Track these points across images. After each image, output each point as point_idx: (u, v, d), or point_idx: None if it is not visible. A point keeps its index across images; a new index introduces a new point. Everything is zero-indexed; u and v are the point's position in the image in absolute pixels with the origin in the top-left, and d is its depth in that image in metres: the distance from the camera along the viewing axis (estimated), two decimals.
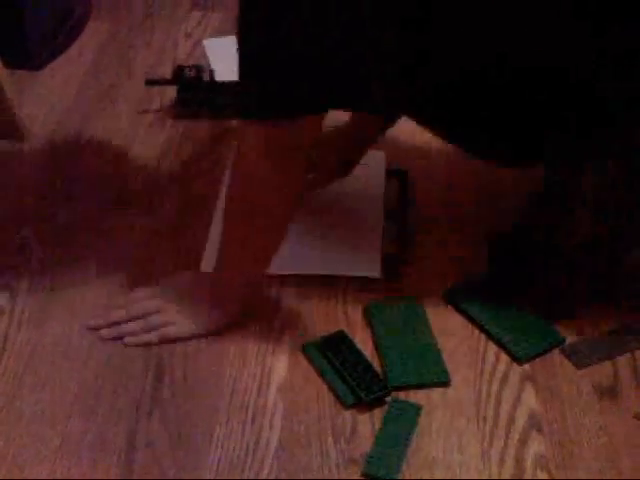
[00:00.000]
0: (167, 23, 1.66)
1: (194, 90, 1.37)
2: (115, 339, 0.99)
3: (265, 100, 0.87)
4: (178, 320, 0.99)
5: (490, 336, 1.01)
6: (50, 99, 1.43)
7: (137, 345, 0.98)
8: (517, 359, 0.99)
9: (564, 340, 1.01)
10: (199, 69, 1.37)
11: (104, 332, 0.99)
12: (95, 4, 1.71)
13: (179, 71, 1.37)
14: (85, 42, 1.60)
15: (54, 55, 1.54)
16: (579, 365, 0.98)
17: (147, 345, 0.98)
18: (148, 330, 0.99)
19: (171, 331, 0.99)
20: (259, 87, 0.87)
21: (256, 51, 0.85)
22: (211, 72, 1.38)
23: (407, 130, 1.38)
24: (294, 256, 1.11)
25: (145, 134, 1.36)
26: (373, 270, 1.09)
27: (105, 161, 1.30)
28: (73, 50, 1.58)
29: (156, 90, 1.44)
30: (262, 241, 0.98)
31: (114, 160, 1.30)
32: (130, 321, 0.99)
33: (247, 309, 1.02)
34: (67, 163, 1.29)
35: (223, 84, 1.39)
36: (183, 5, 1.74)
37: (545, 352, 1.00)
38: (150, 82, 1.41)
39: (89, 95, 1.45)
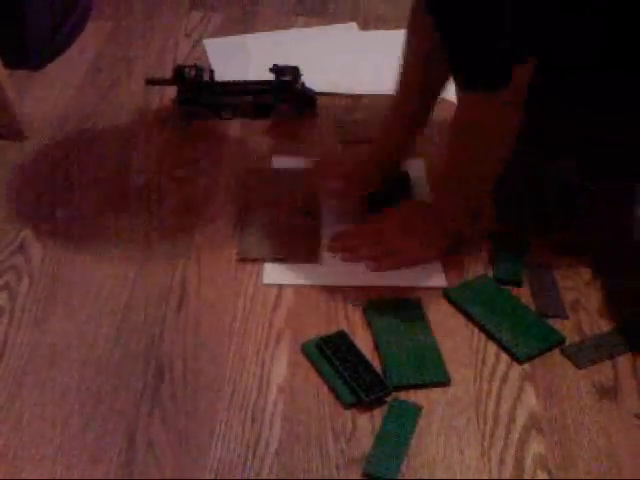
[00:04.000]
0: (167, 23, 1.67)
1: (194, 90, 1.37)
2: (348, 260, 1.11)
3: (487, 75, 0.99)
4: (403, 248, 1.12)
5: (490, 336, 1.01)
6: (50, 99, 1.44)
7: (375, 270, 1.10)
8: (517, 359, 0.99)
9: (564, 340, 1.01)
10: (199, 69, 1.37)
11: (344, 257, 1.11)
12: (95, 4, 1.71)
13: (179, 71, 1.37)
14: (85, 42, 1.60)
15: (54, 55, 1.54)
16: (579, 365, 0.98)
17: (386, 269, 1.10)
18: (381, 254, 1.11)
19: (398, 260, 1.11)
20: (480, 64, 0.99)
21: (477, 39, 0.97)
22: (211, 72, 1.38)
23: None
24: (366, 269, 1.11)
25: (145, 134, 1.36)
26: (439, 280, 1.10)
27: (105, 161, 1.30)
28: (73, 50, 1.58)
29: (156, 90, 1.44)
30: (480, 179, 1.10)
31: (114, 160, 1.30)
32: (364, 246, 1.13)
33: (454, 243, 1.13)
34: (67, 163, 1.29)
35: (223, 84, 1.40)
36: (183, 5, 1.74)
37: (545, 352, 1.00)
38: (150, 82, 1.41)
39: (89, 95, 1.45)
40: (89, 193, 1.23)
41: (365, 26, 1.69)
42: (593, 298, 1.08)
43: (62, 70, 1.52)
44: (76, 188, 1.24)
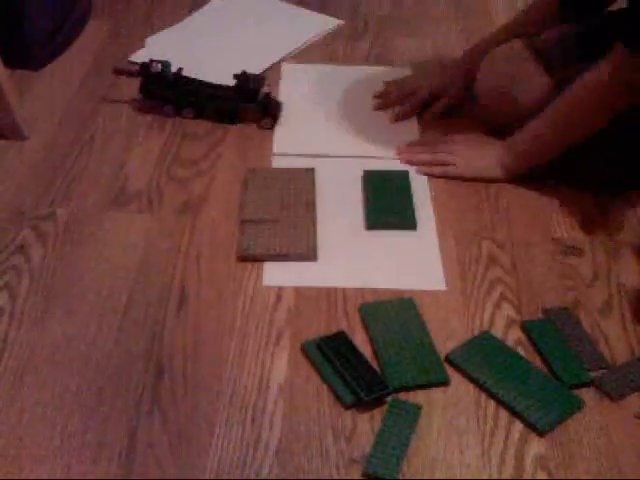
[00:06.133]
0: (167, 23, 1.66)
1: (158, 84, 1.37)
2: (409, 163, 1.28)
3: None
4: (459, 163, 1.25)
5: (504, 405, 0.93)
6: (50, 99, 1.43)
7: (424, 173, 1.27)
8: (537, 430, 0.90)
9: (582, 404, 0.93)
10: (166, 64, 1.37)
11: (402, 156, 1.29)
12: (95, 4, 1.71)
13: (145, 64, 1.37)
14: (85, 42, 1.60)
15: (54, 55, 1.54)
16: (614, 397, 0.94)
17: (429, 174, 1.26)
18: (435, 164, 1.27)
19: (450, 170, 1.26)
20: None
21: None
22: (179, 69, 1.38)
23: (405, 131, 1.39)
24: (363, 271, 1.11)
25: (145, 134, 1.36)
26: (438, 283, 1.09)
27: (105, 161, 1.30)
28: (73, 50, 1.58)
29: None
30: (557, 145, 1.20)
31: (114, 160, 1.30)
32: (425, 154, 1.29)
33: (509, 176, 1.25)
34: (67, 163, 1.29)
35: (188, 82, 1.38)
36: (183, 5, 1.74)
37: (566, 420, 0.92)
38: (117, 71, 1.42)
39: (89, 95, 1.45)
40: (89, 193, 1.23)
41: (365, 26, 1.69)
42: (593, 298, 1.08)
43: (62, 70, 1.52)
44: (76, 188, 1.24)
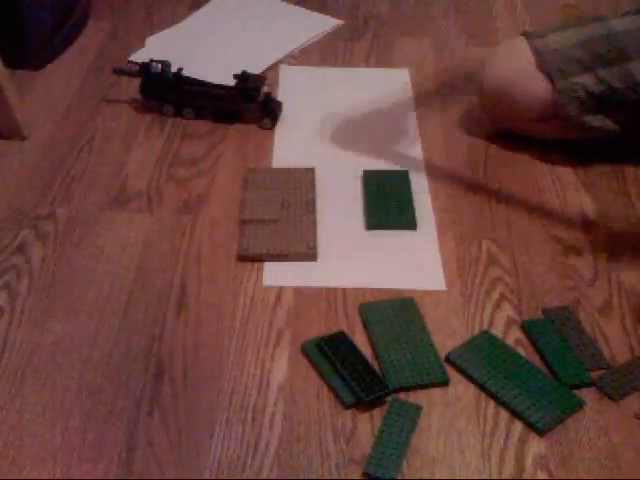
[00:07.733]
0: (167, 23, 1.67)
1: (158, 85, 1.37)
2: None
3: None
4: None
5: (505, 406, 0.93)
6: (50, 99, 1.44)
7: None
8: (537, 429, 0.90)
9: (583, 404, 0.93)
10: (167, 65, 1.37)
11: None
12: (95, 4, 1.71)
13: (146, 64, 1.37)
14: (85, 42, 1.60)
15: (54, 55, 1.54)
16: (614, 397, 0.94)
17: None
18: None
19: None
20: None
21: None
22: (179, 70, 1.38)
23: (404, 132, 1.39)
24: (363, 271, 1.11)
25: (145, 134, 1.36)
26: (438, 283, 1.09)
27: (105, 161, 1.30)
28: (73, 50, 1.58)
29: None
30: None
31: (114, 160, 1.30)
32: None
33: None
34: (67, 163, 1.29)
35: (188, 83, 1.38)
36: (183, 5, 1.74)
37: (566, 419, 0.92)
38: (118, 71, 1.41)
39: (89, 95, 1.45)
40: (89, 193, 1.23)
41: (365, 26, 1.69)
42: (593, 298, 1.08)
43: (62, 70, 1.52)
44: (76, 188, 1.24)
